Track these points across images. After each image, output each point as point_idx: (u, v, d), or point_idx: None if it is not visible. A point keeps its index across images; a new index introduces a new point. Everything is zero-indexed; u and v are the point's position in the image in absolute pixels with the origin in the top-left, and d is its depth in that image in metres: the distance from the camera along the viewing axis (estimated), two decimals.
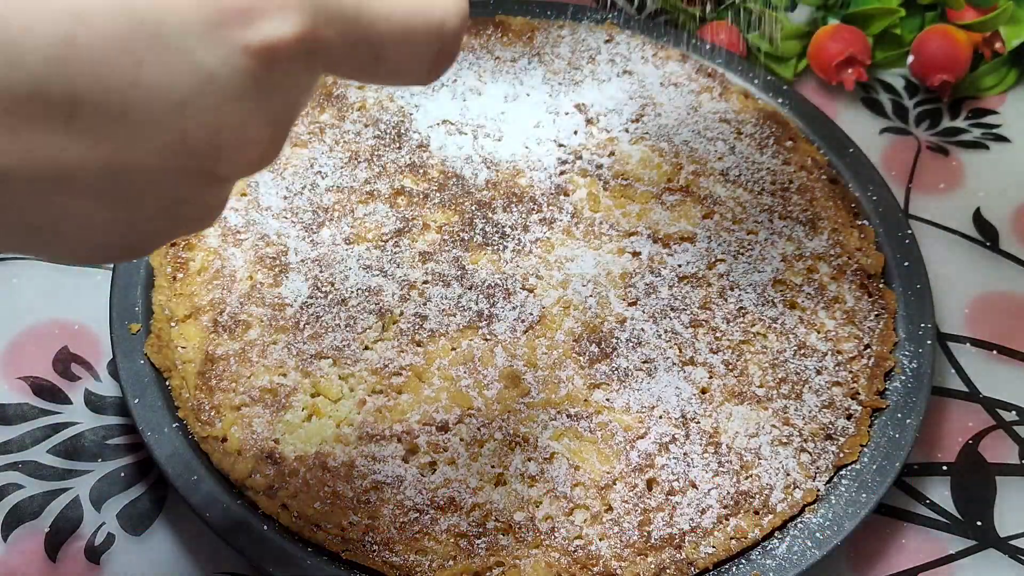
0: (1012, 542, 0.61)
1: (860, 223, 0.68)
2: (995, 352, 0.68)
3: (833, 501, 0.57)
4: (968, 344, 0.69)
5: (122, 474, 0.60)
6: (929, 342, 0.62)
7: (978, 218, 0.75)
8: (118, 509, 0.59)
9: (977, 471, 0.63)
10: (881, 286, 0.65)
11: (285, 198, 0.66)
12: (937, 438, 0.65)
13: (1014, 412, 0.66)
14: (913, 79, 0.82)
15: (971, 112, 0.81)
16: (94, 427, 0.62)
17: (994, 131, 0.80)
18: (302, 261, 0.63)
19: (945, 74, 0.78)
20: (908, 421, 0.59)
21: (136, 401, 0.57)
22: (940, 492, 0.63)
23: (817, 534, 0.56)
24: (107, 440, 0.61)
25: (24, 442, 0.61)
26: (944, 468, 0.63)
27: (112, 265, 0.63)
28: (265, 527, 0.54)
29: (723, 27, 0.80)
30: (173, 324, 0.61)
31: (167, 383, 0.59)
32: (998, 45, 0.78)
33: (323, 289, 0.62)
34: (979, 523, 0.61)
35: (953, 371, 0.67)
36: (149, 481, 0.60)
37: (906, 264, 0.66)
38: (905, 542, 0.61)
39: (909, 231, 0.67)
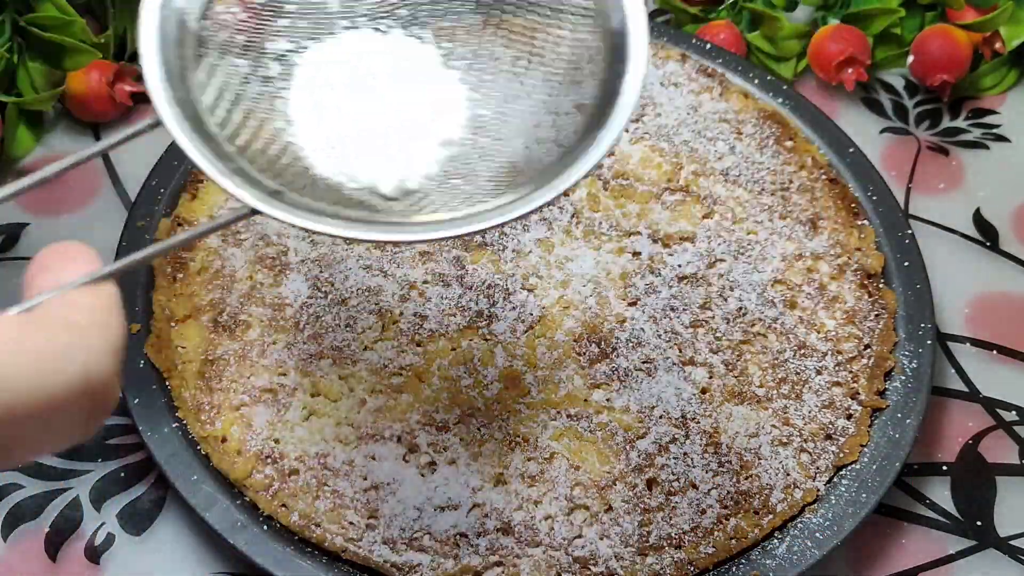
0: (1012, 542, 0.61)
1: (860, 223, 0.68)
2: (995, 352, 0.68)
3: (833, 501, 0.57)
4: (968, 344, 0.69)
5: (122, 474, 0.60)
6: (929, 342, 0.62)
7: (978, 218, 0.75)
8: (118, 509, 0.59)
9: (977, 471, 0.63)
10: (881, 286, 0.65)
11: None
12: (937, 438, 0.65)
13: (1014, 412, 0.66)
14: (913, 79, 0.82)
15: (971, 112, 0.81)
16: None
17: (994, 131, 0.80)
18: (302, 261, 0.63)
19: (945, 74, 0.78)
20: (908, 421, 0.59)
21: (136, 401, 0.57)
22: (940, 492, 0.62)
23: (817, 534, 0.56)
24: (107, 440, 0.61)
25: None
26: (944, 468, 0.63)
27: None
28: (265, 527, 0.54)
29: (723, 27, 0.80)
30: (173, 324, 0.61)
31: (167, 383, 0.59)
32: (998, 45, 0.78)
33: (323, 289, 0.62)
34: (979, 523, 0.61)
35: (953, 371, 0.67)
36: (149, 481, 0.60)
37: (906, 264, 0.66)
38: (905, 542, 0.61)
39: (909, 231, 0.67)
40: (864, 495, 0.57)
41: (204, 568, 0.57)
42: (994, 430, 0.65)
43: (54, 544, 0.58)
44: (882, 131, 0.79)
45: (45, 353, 0.28)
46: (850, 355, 0.62)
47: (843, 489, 0.57)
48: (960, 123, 0.80)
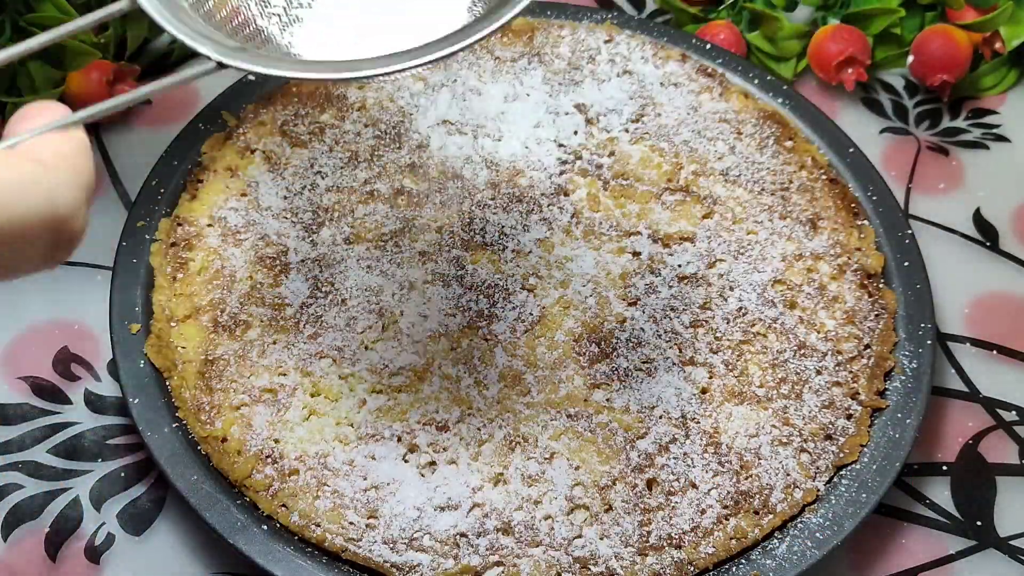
0: (1012, 542, 0.61)
1: (860, 223, 0.68)
2: (995, 352, 0.68)
3: (833, 501, 0.57)
4: (968, 344, 0.69)
5: (122, 474, 0.60)
6: (929, 342, 0.62)
7: (978, 218, 0.75)
8: (118, 509, 0.59)
9: (977, 471, 0.63)
10: (881, 286, 0.65)
11: (285, 198, 0.66)
12: (937, 438, 0.65)
13: (1014, 412, 0.66)
14: (913, 79, 0.82)
15: (971, 112, 0.81)
16: (94, 427, 0.62)
17: (994, 131, 0.80)
18: (302, 261, 0.63)
19: (945, 74, 0.78)
20: (908, 421, 0.59)
21: (136, 401, 0.57)
22: (940, 492, 0.63)
23: (817, 534, 0.56)
24: (107, 440, 0.61)
25: (24, 442, 0.61)
26: (944, 468, 0.63)
27: (112, 265, 0.63)
28: (265, 527, 0.54)
29: (723, 27, 0.80)
30: (173, 324, 0.61)
31: (167, 383, 0.59)
32: (998, 45, 0.78)
33: (323, 289, 0.62)
34: (979, 523, 0.61)
35: (953, 371, 0.67)
36: (149, 481, 0.60)
37: (906, 264, 0.66)
38: (905, 542, 0.61)
39: (909, 231, 0.67)
40: (864, 495, 0.57)
41: (204, 568, 0.57)
42: (994, 430, 0.65)
43: (54, 544, 0.58)
44: (882, 131, 0.79)
45: (11, 182, 0.31)
46: (850, 355, 0.62)
47: (843, 489, 0.57)
48: (960, 123, 0.80)
